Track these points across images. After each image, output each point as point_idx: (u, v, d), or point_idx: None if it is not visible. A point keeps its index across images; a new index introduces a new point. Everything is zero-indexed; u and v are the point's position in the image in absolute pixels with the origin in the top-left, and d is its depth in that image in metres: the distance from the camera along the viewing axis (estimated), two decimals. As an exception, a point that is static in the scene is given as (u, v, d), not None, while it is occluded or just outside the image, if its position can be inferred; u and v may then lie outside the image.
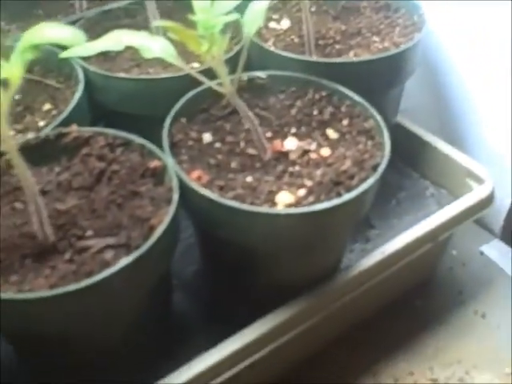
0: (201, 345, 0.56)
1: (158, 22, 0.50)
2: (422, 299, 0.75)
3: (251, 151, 0.57)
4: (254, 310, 0.58)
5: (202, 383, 0.54)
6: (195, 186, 0.50)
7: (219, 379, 0.55)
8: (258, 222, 0.50)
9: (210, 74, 0.54)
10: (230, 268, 0.61)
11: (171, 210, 0.48)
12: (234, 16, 0.52)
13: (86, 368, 0.54)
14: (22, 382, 0.59)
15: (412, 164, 0.82)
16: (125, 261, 0.45)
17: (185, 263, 0.68)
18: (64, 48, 0.66)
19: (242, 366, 0.57)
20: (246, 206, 0.49)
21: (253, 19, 0.54)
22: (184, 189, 0.51)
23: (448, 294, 0.76)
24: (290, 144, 0.58)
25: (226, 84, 0.54)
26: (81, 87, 0.64)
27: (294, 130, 0.60)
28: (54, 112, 0.64)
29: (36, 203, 0.47)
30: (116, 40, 0.51)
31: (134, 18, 0.78)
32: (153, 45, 0.52)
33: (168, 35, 0.50)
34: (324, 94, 0.62)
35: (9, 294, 0.43)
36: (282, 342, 0.59)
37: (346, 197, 0.49)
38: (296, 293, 0.59)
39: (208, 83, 0.54)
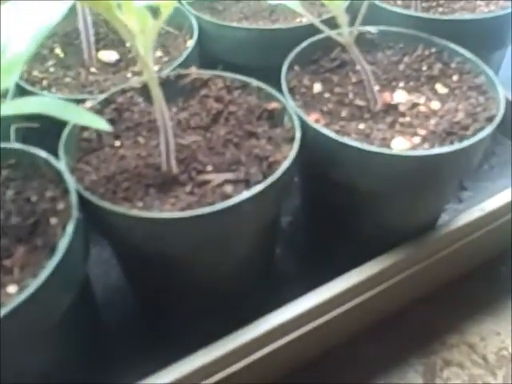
0: (296, 290, 0.58)
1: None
2: (507, 266, 0.75)
3: (359, 102, 0.59)
4: (349, 258, 0.59)
5: (297, 325, 0.57)
6: (317, 126, 0.52)
7: (312, 324, 0.58)
8: (376, 162, 0.51)
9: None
10: (333, 213, 0.63)
11: (295, 146, 0.50)
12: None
13: (194, 295, 0.56)
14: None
15: (505, 131, 0.82)
16: (248, 193, 0.47)
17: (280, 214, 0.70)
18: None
19: (334, 313, 0.59)
20: (369, 147, 0.50)
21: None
22: (303, 130, 0.52)
23: (534, 262, 0.76)
24: (399, 97, 0.59)
25: (345, 34, 0.55)
26: (195, 35, 0.66)
27: (402, 85, 0.61)
28: (165, 59, 0.67)
29: (166, 134, 0.49)
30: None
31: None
32: (278, -8, 0.54)
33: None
34: (433, 50, 0.63)
35: (144, 213, 0.45)
36: (375, 292, 0.60)
37: (465, 143, 0.50)
38: (394, 244, 0.60)
39: (328, 32, 0.55)
